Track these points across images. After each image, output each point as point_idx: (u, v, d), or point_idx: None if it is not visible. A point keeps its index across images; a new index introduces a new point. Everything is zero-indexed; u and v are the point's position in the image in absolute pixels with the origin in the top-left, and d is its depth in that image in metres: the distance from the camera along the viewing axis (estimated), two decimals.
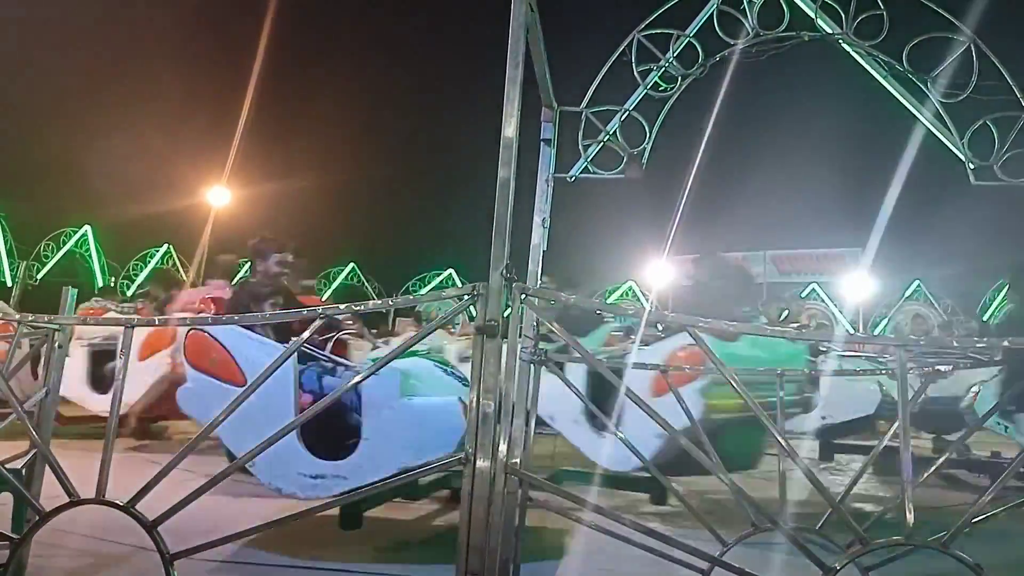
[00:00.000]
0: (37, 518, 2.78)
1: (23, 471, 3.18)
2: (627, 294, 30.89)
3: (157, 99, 26.38)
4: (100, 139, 24.04)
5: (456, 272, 31.74)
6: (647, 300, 29.27)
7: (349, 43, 30.83)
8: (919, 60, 4.83)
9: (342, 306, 2.87)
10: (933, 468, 3.27)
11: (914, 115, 5.45)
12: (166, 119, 25.67)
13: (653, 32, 5.06)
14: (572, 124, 5.01)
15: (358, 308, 2.90)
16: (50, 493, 2.87)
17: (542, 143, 4.42)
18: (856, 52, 5.24)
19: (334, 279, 32.16)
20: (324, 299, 27.64)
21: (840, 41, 4.92)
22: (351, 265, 32.81)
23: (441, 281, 32.34)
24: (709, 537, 2.84)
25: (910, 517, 2.38)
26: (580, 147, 4.97)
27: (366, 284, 32.91)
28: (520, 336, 2.99)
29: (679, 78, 5.07)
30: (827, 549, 2.96)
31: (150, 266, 28.54)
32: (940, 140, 5.22)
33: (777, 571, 2.60)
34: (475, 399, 2.60)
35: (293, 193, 27.35)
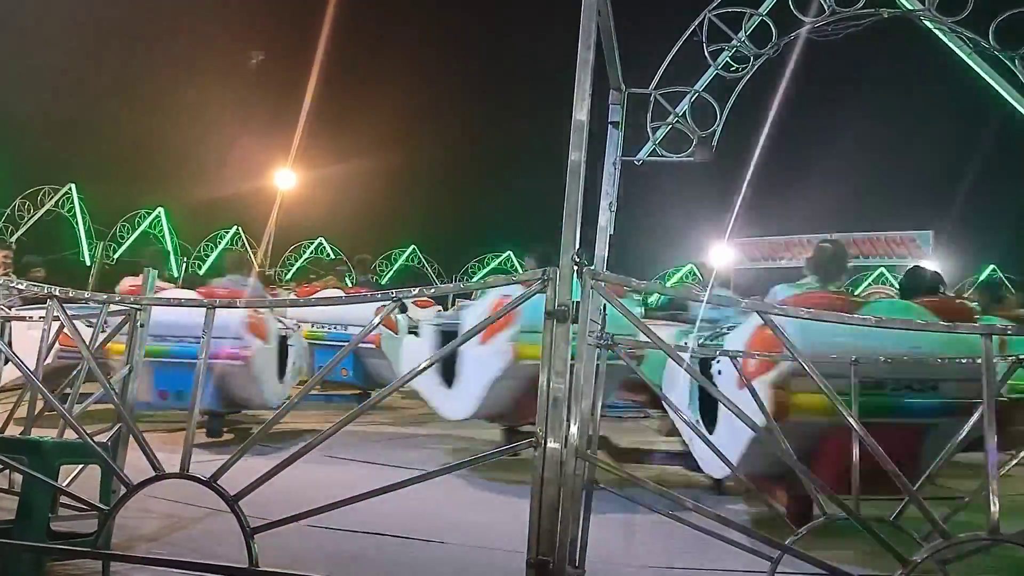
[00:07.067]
0: (124, 490, 2.88)
1: (109, 444, 3.32)
2: (688, 276, 30.49)
3: (225, 86, 26.91)
4: (173, 125, 24.78)
5: (514, 254, 31.79)
6: (706, 283, 28.81)
7: (410, 25, 30.96)
8: (1006, 37, 4.61)
9: (415, 290, 2.91)
10: (1017, 459, 3.13)
11: (999, 94, 5.23)
12: (234, 105, 26.20)
13: (725, 11, 4.95)
14: (638, 107, 4.93)
15: (430, 291, 2.93)
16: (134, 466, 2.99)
17: (609, 125, 4.36)
18: (939, 29, 5.03)
19: (395, 260, 32.68)
20: (385, 280, 28.23)
21: (921, 18, 4.72)
22: (412, 247, 33.28)
23: (500, 263, 32.56)
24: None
25: (995, 511, 2.31)
26: (648, 129, 4.88)
27: (426, 265, 33.31)
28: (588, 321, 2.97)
29: (751, 58, 4.95)
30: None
31: (220, 247, 29.35)
32: None
33: (848, 562, 2.54)
34: (545, 382, 2.61)
35: (356, 176, 27.74)
